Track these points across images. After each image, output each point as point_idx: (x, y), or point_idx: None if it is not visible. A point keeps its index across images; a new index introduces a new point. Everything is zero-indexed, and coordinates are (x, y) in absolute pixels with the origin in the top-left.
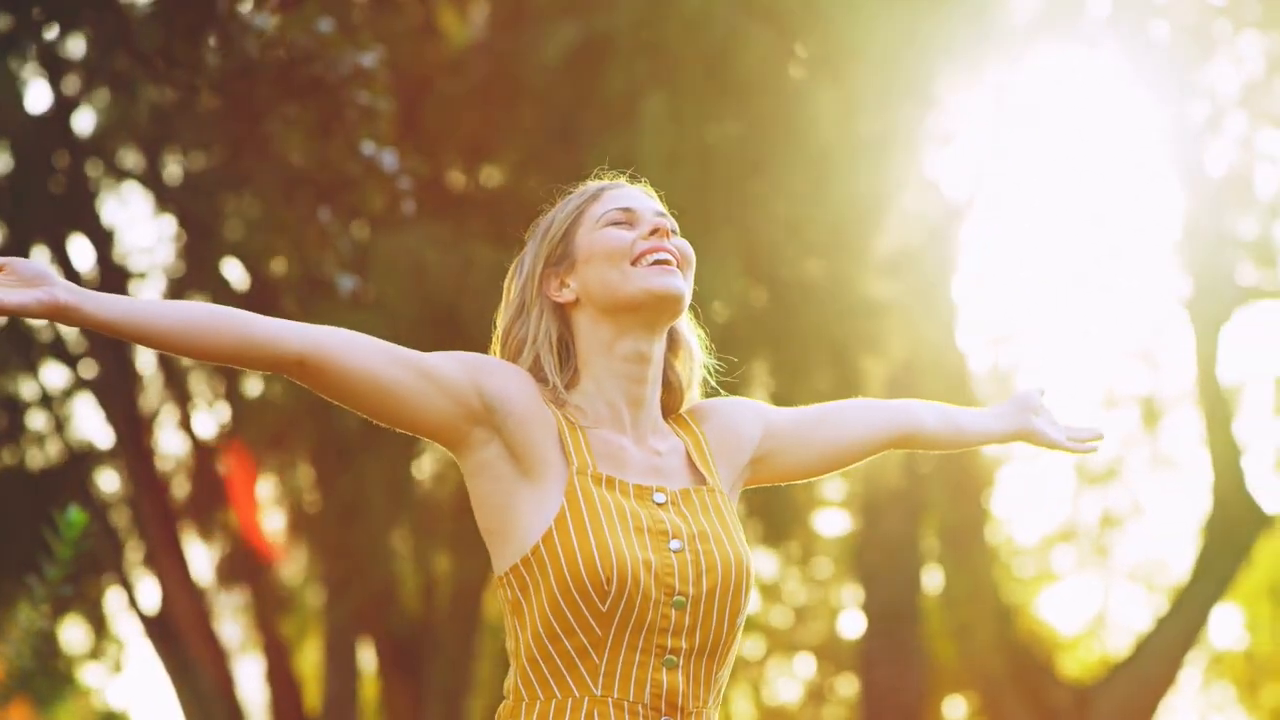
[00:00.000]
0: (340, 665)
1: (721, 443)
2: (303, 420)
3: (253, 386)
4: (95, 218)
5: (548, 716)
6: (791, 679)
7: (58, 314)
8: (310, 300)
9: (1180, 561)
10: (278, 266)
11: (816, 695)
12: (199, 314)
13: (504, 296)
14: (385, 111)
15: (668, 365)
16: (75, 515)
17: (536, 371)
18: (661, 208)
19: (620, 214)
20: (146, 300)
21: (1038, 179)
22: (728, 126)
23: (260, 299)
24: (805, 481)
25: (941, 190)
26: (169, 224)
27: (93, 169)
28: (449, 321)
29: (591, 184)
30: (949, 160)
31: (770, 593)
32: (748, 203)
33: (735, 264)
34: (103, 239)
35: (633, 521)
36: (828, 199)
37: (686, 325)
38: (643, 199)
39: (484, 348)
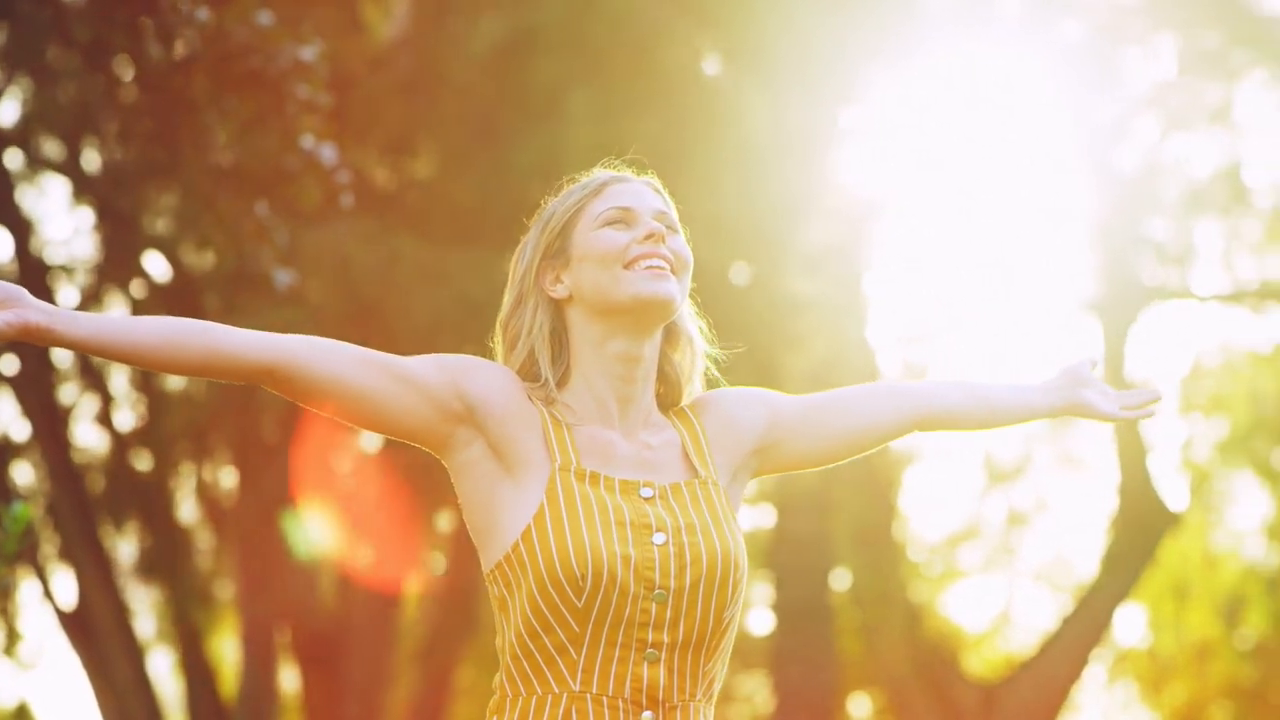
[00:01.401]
0: (257, 659)
1: (721, 434)
2: (224, 415)
3: (174, 381)
4: (15, 208)
5: (529, 712)
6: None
7: (30, 335)
8: (234, 295)
9: (1086, 560)
10: (201, 260)
11: (723, 693)
12: (169, 329)
13: (509, 279)
14: (325, 105)
15: (664, 358)
16: (21, 510)
17: (529, 365)
18: (664, 205)
19: (619, 213)
20: (117, 317)
21: (950, 177)
22: (651, 122)
23: (182, 293)
24: (821, 469)
25: (859, 187)
26: (89, 216)
27: (11, 159)
28: (375, 316)
29: (597, 174)
30: (866, 157)
31: None
32: (672, 199)
33: None
34: (22, 230)
35: (614, 516)
36: (750, 196)
37: (688, 317)
38: (644, 197)
39: (410, 343)
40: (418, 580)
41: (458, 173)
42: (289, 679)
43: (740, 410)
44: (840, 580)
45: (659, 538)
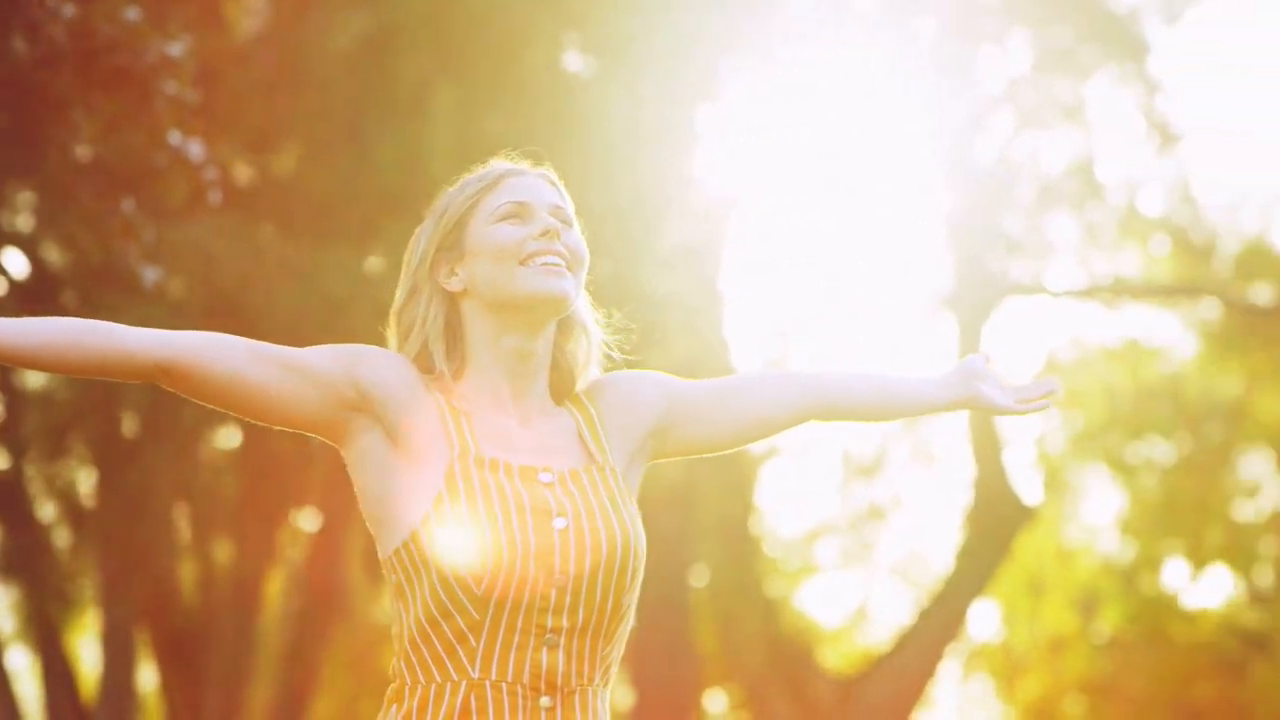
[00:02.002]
0: (117, 657)
1: (616, 418)
2: (84, 413)
3: (32, 378)
4: None
5: (428, 700)
6: None
7: None
8: (96, 292)
9: (942, 555)
10: (63, 257)
11: None
12: (65, 330)
13: (403, 269)
14: (192, 102)
15: (557, 349)
16: None
17: (424, 357)
18: (560, 199)
19: (515, 208)
20: (10, 320)
21: (807, 174)
22: (514, 119)
23: (40, 291)
24: (717, 454)
25: (717, 185)
26: None
27: None
28: (238, 313)
29: (494, 166)
30: (724, 155)
31: None
32: None
33: None
34: None
35: (514, 503)
36: (612, 193)
37: (584, 308)
38: (541, 191)
39: (273, 340)
40: (279, 577)
41: (320, 169)
42: (149, 677)
43: (636, 394)
44: (698, 575)
45: (559, 523)
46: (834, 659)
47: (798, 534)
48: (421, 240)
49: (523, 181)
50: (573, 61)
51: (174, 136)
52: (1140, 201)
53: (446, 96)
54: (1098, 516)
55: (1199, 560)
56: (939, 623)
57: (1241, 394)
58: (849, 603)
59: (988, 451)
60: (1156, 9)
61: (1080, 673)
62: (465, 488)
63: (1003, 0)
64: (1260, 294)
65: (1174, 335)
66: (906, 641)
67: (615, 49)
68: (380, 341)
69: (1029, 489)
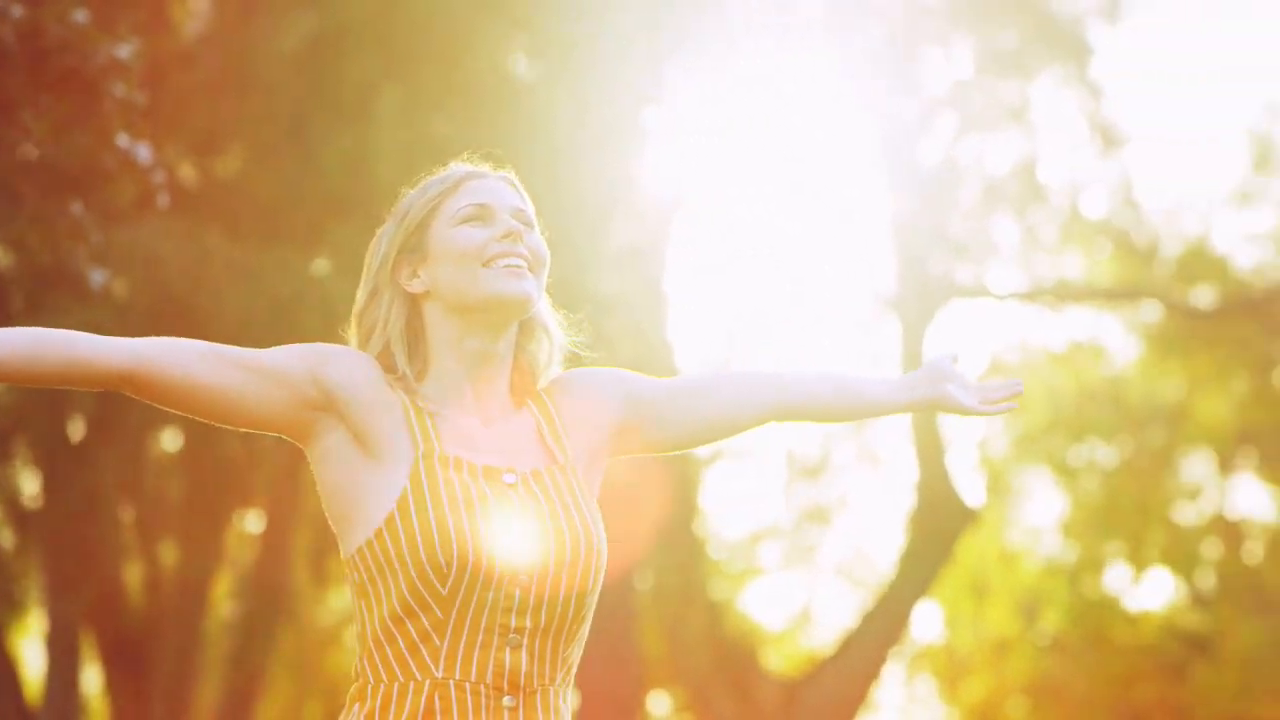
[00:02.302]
0: (62, 659)
1: (577, 417)
2: (29, 416)
3: None
4: None
5: (390, 700)
6: None
7: None
8: (42, 294)
9: (885, 557)
10: (5, 258)
11: None
12: (26, 340)
13: (364, 271)
14: (141, 104)
15: (519, 349)
16: None
17: (386, 358)
18: (521, 201)
19: (476, 210)
20: None
21: (753, 176)
22: (460, 121)
23: None
24: (681, 453)
25: (663, 187)
26: None
27: None
28: (185, 316)
29: (454, 169)
30: (670, 157)
31: None
32: None
33: None
34: None
35: (479, 503)
36: (558, 195)
37: (545, 310)
38: (502, 194)
39: (220, 341)
40: (226, 579)
41: (266, 171)
42: (94, 679)
43: (598, 391)
44: (642, 578)
45: (522, 523)
46: (778, 661)
47: (742, 536)
48: (383, 243)
49: (484, 184)
50: (518, 64)
51: (122, 139)
52: (1083, 204)
53: (392, 99)
54: (1040, 519)
55: (1140, 563)
56: (882, 624)
57: (1183, 397)
58: (793, 605)
59: (931, 454)
60: (1099, 12)
61: (1023, 674)
62: (430, 486)
63: (947, 3)
64: (1201, 297)
65: (1116, 338)
66: (850, 643)
67: (559, 51)
68: (332, 342)
69: (972, 491)
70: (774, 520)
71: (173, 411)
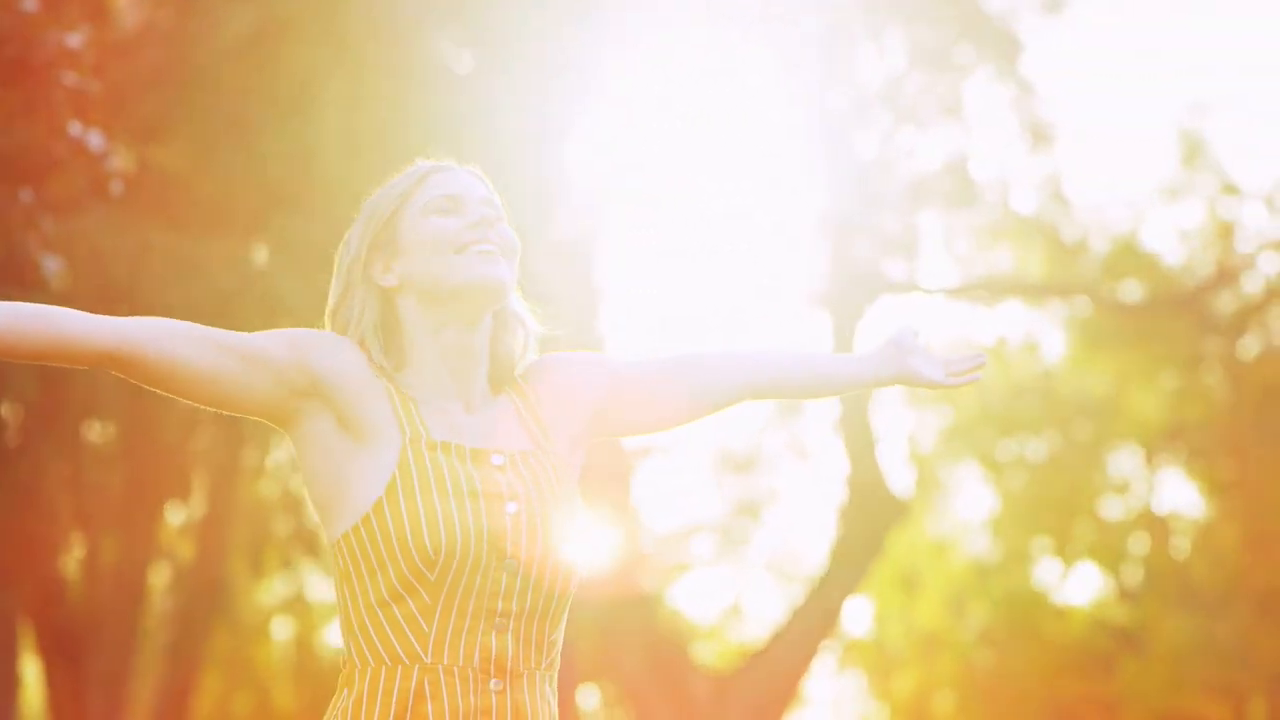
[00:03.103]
0: (0, 652)
1: (556, 401)
2: None
3: None
4: None
5: (379, 684)
6: None
7: None
8: None
9: (816, 551)
10: None
11: None
12: (10, 314)
13: (335, 271)
14: (93, 92)
15: (495, 341)
16: None
17: (364, 350)
18: (488, 193)
19: (446, 201)
20: None
21: (686, 170)
22: (401, 114)
23: None
24: (659, 433)
25: (598, 180)
26: None
27: None
28: (127, 306)
29: (419, 165)
30: (603, 150)
31: None
32: None
33: None
34: None
35: (467, 486)
36: (498, 188)
37: (516, 300)
38: (469, 185)
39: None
40: (164, 572)
41: (208, 162)
42: (33, 671)
43: (575, 376)
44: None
45: (511, 507)
46: (709, 655)
47: (673, 530)
48: (353, 241)
49: (451, 176)
50: (458, 56)
51: (75, 127)
52: (1013, 200)
53: (334, 90)
54: (969, 513)
55: (1068, 557)
56: (813, 619)
57: (1111, 392)
58: (724, 599)
59: (861, 448)
60: (1030, 9)
61: (951, 668)
62: (418, 471)
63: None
64: (1130, 292)
65: (1045, 333)
66: (781, 638)
67: (499, 44)
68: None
69: (902, 485)
70: (705, 514)
71: (157, 391)
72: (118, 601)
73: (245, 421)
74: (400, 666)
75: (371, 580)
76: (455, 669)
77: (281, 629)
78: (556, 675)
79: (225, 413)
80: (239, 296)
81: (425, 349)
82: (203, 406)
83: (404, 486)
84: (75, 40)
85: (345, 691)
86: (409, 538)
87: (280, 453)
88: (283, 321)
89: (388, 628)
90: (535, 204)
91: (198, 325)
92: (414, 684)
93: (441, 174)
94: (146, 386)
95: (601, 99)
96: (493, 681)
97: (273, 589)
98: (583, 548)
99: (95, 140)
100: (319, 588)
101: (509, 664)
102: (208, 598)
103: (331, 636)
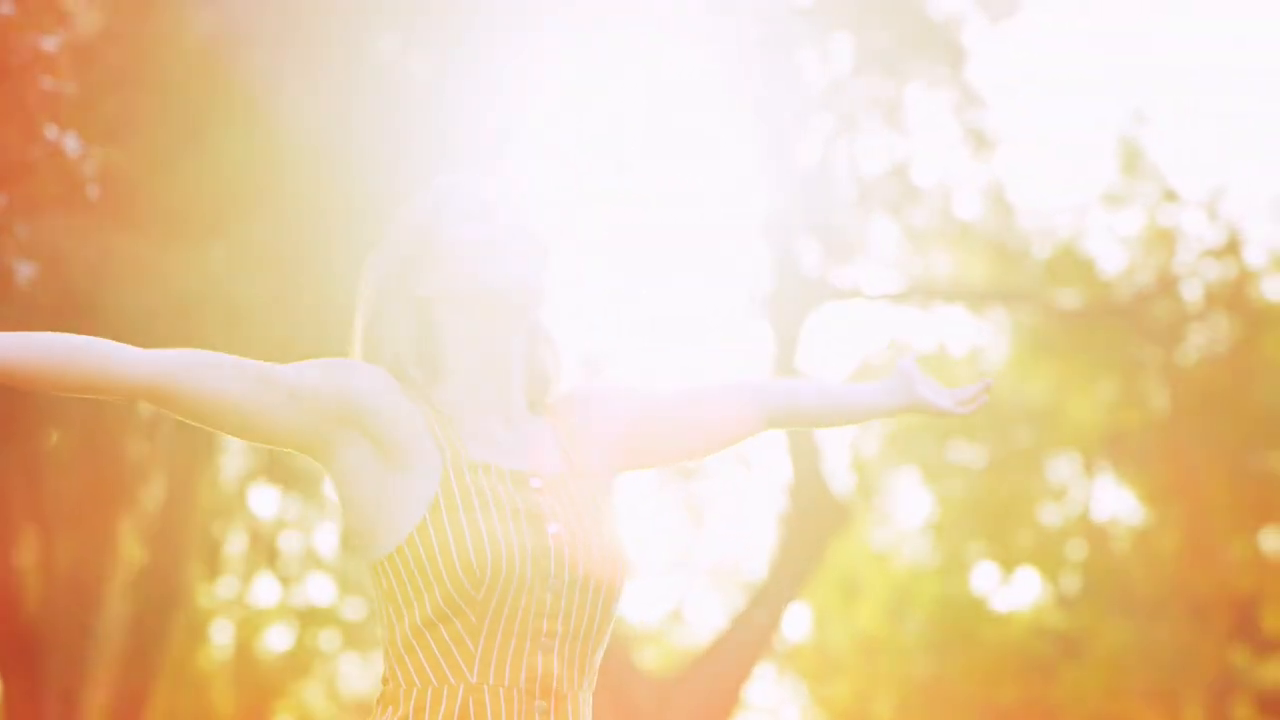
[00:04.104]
0: None
1: (591, 428)
2: None
3: None
4: None
5: (425, 704)
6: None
7: None
8: None
9: (757, 557)
10: None
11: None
12: (55, 347)
13: (361, 298)
14: (71, 96)
15: (530, 356)
16: None
17: (397, 369)
18: (519, 199)
19: (479, 207)
20: (2, 337)
21: (628, 175)
22: (359, 119)
23: None
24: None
25: (535, 183)
26: None
27: None
28: (88, 312)
29: (446, 179)
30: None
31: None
32: (393, 194)
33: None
34: None
35: (509, 507)
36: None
37: (547, 317)
38: (501, 190)
39: (126, 339)
40: (119, 577)
41: (167, 167)
42: None
43: (608, 405)
44: None
45: (552, 528)
46: (651, 661)
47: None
48: (380, 261)
49: (481, 185)
50: (416, 60)
51: (51, 130)
52: (955, 206)
53: (293, 95)
54: (909, 519)
55: (1008, 563)
56: (755, 625)
57: (1051, 398)
58: (666, 605)
59: (803, 454)
60: (975, 15)
61: (891, 674)
62: (460, 492)
63: (823, 3)
64: (1070, 299)
65: (986, 339)
66: (723, 644)
67: (444, 48)
68: (228, 344)
69: (843, 492)
70: (648, 520)
71: (193, 424)
72: (73, 608)
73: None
74: (446, 687)
75: (418, 601)
76: (501, 690)
77: (222, 633)
78: (592, 693)
79: (260, 444)
80: (199, 302)
81: (463, 358)
82: (238, 437)
83: (447, 507)
84: (51, 44)
85: (390, 711)
86: (455, 558)
87: (234, 458)
88: (242, 326)
89: (434, 647)
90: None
91: (234, 357)
92: (460, 704)
93: (470, 184)
94: (183, 418)
95: (547, 105)
96: (538, 702)
97: (209, 592)
98: (624, 569)
99: (72, 144)
100: (263, 592)
101: (554, 685)
102: (164, 604)
103: (272, 640)
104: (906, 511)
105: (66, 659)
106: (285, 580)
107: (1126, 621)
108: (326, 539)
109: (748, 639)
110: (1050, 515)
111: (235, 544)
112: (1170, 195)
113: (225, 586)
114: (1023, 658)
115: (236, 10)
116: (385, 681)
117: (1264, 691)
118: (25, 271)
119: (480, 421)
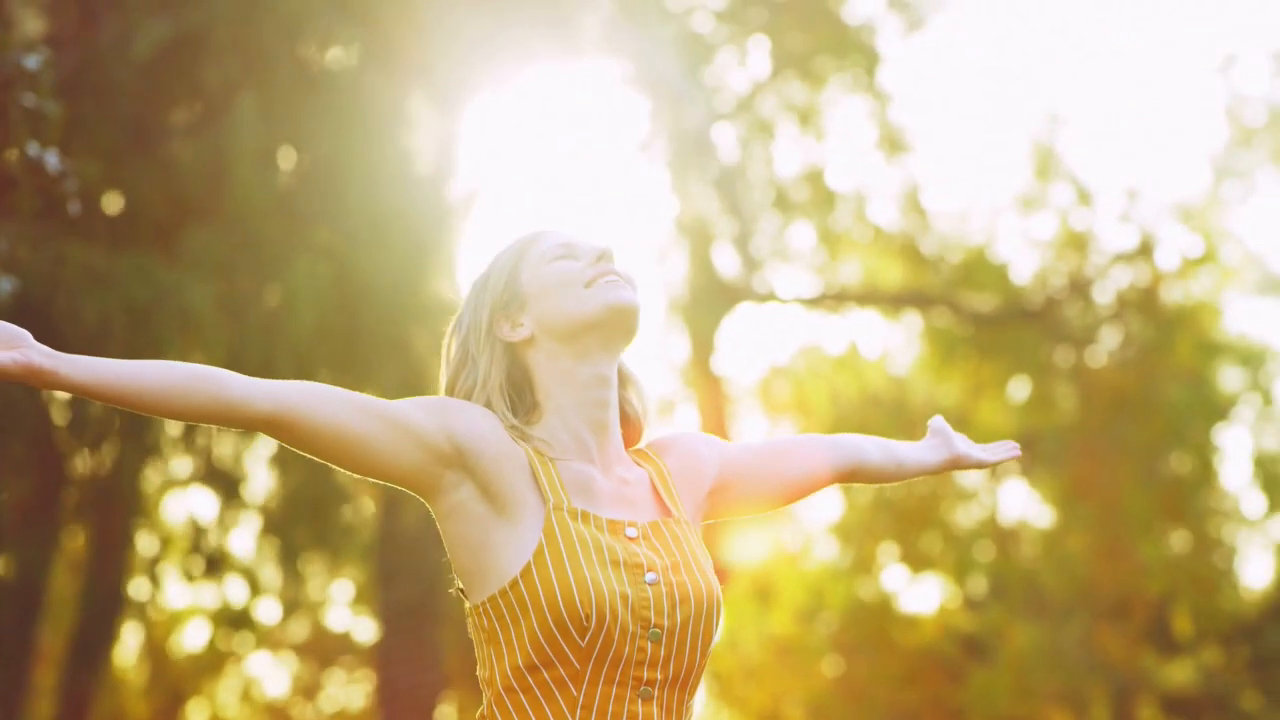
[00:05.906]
0: None
1: (683, 474)
2: None
3: None
4: None
5: None
6: (282, 674)
7: (33, 377)
8: None
9: None
10: None
11: (308, 691)
12: (174, 375)
13: (443, 357)
14: (54, 113)
15: (622, 399)
16: None
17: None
18: (599, 241)
19: (564, 249)
20: (120, 362)
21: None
22: (313, 126)
23: None
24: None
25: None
26: None
27: None
28: (42, 319)
29: (526, 231)
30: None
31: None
32: (337, 205)
33: (327, 266)
34: None
35: (609, 556)
36: (410, 199)
37: (632, 361)
38: (581, 234)
39: (80, 347)
40: (64, 582)
41: (119, 173)
42: None
43: (696, 453)
44: (448, 580)
45: (650, 577)
46: None
47: None
48: (465, 315)
49: (561, 230)
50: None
51: (32, 148)
52: (869, 210)
53: (249, 103)
54: (818, 521)
55: (916, 566)
56: None
57: (963, 402)
58: None
59: None
60: (890, 21)
61: (803, 676)
62: (564, 538)
63: (741, 7)
64: (983, 303)
65: (899, 343)
66: None
67: (393, 55)
68: (181, 351)
69: None
70: None
71: (306, 455)
72: (12, 615)
73: (149, 435)
74: None
75: (520, 644)
76: None
77: (132, 636)
78: None
79: (369, 478)
80: (154, 311)
81: (562, 399)
82: (350, 472)
83: (551, 553)
84: (33, 61)
85: None
86: (560, 604)
87: (182, 466)
88: (194, 334)
89: (537, 690)
90: (440, 218)
91: (346, 390)
92: None
93: (550, 231)
94: (296, 449)
95: (488, 115)
96: None
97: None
98: (720, 613)
99: (52, 161)
100: (176, 595)
101: None
102: (109, 613)
103: (188, 639)
104: (817, 513)
105: (4, 666)
106: (193, 579)
107: (1035, 624)
108: (241, 540)
109: None
110: (959, 518)
111: (146, 545)
112: (1083, 199)
113: (136, 588)
114: (932, 659)
115: (191, 17)
116: (482, 718)
117: (1169, 693)
118: (6, 286)
119: (579, 466)
